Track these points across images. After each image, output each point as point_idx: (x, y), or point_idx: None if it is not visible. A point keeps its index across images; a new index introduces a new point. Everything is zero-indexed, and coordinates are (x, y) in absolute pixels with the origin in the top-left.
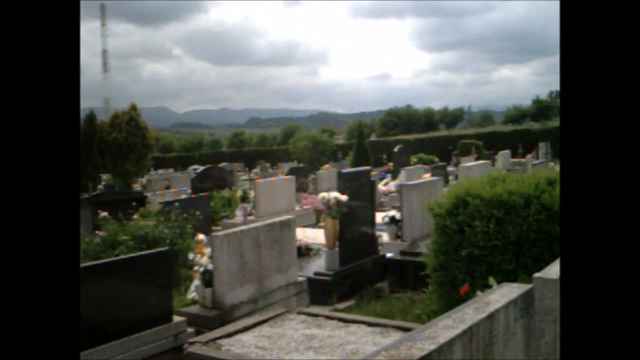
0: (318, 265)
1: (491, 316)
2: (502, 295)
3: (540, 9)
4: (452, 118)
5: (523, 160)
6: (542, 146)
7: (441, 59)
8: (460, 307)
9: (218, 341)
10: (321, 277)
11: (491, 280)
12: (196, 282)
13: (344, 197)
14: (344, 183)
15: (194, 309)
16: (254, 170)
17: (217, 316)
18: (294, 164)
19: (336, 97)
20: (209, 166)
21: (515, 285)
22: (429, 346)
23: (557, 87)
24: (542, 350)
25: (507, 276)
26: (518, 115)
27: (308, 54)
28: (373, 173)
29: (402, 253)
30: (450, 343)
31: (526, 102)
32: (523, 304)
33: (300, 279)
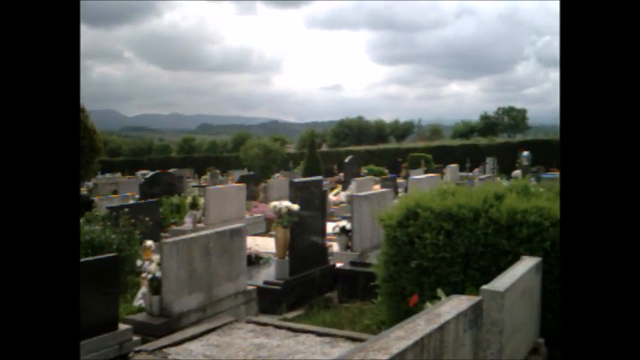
0: (267, 274)
1: (441, 328)
2: (452, 306)
3: (490, 28)
4: (402, 130)
5: (470, 174)
6: (490, 161)
7: (393, 72)
8: (412, 319)
9: (165, 350)
10: (271, 286)
11: (440, 292)
12: (144, 289)
13: (295, 206)
14: (295, 192)
15: (141, 317)
16: (204, 177)
17: (164, 324)
18: (245, 172)
19: (288, 106)
20: (158, 171)
21: (464, 297)
22: (382, 357)
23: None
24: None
25: (455, 288)
26: (466, 130)
27: (262, 62)
28: (324, 183)
29: (352, 263)
30: (402, 353)
31: (474, 117)
32: (472, 315)
33: (250, 288)
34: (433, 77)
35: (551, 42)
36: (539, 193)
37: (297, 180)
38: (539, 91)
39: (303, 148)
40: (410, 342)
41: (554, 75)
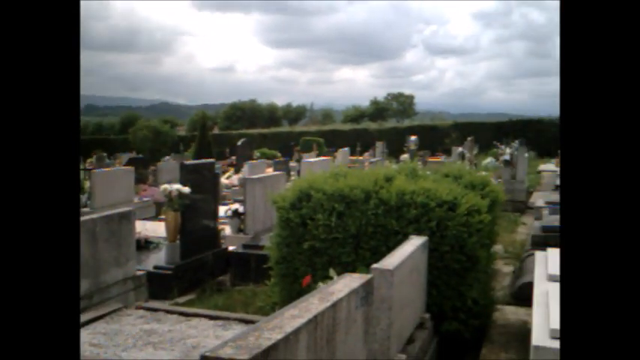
0: (158, 259)
1: (335, 305)
2: (345, 284)
3: (381, 15)
4: (295, 114)
5: (361, 157)
6: (379, 145)
7: (285, 56)
8: (305, 297)
9: None
10: (162, 271)
11: (332, 272)
12: None
13: (186, 189)
14: (186, 175)
15: None
16: (89, 160)
17: None
18: (134, 155)
19: (179, 88)
20: None
21: (356, 275)
22: (277, 336)
23: (393, 89)
24: (378, 336)
25: (347, 268)
26: (357, 115)
27: (151, 42)
28: (216, 166)
29: (245, 246)
30: (297, 332)
31: (365, 102)
32: (363, 292)
33: (140, 273)
34: (325, 62)
35: (437, 31)
36: (426, 175)
37: (188, 162)
38: (426, 78)
39: (194, 131)
40: (304, 320)
41: (440, 63)
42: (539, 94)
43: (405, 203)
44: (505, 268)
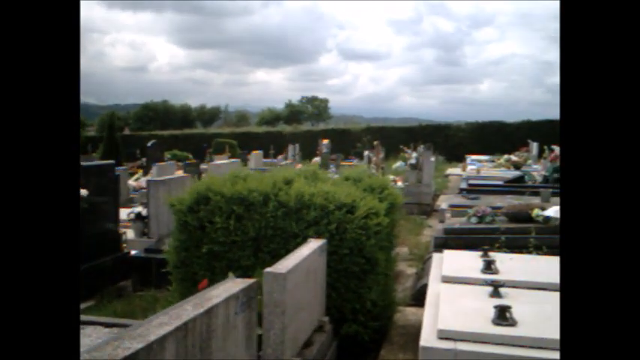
0: None
1: (209, 311)
2: (224, 290)
3: (295, 19)
4: (209, 116)
5: (274, 160)
6: (291, 148)
7: (200, 57)
8: (180, 304)
9: None
10: None
11: (231, 276)
12: None
13: (84, 192)
14: (85, 177)
15: None
16: None
17: None
18: None
19: (88, 87)
20: None
21: (239, 280)
22: (137, 345)
23: (309, 93)
24: (272, 341)
25: (246, 271)
26: (272, 118)
27: None
28: (123, 168)
29: (147, 250)
30: (162, 340)
31: (280, 105)
32: (245, 298)
33: None
34: (240, 64)
35: (351, 36)
36: (326, 177)
37: (86, 164)
38: (341, 83)
39: (104, 132)
40: (171, 328)
41: (354, 67)
42: (449, 100)
43: (305, 205)
44: (409, 269)
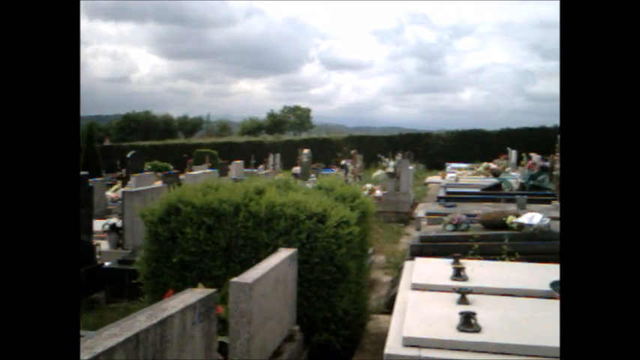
0: None
1: (163, 322)
2: (182, 300)
3: (278, 29)
4: (191, 126)
5: (255, 170)
6: (272, 158)
7: (182, 67)
8: (134, 315)
9: None
10: None
11: (202, 286)
12: None
13: None
14: None
15: None
16: None
17: None
18: None
19: None
20: None
21: (198, 290)
22: (84, 357)
23: (291, 103)
24: (238, 350)
25: (217, 282)
26: (254, 127)
27: None
28: (99, 179)
29: (121, 261)
30: (110, 351)
31: (262, 115)
32: (203, 308)
33: None
34: (222, 74)
35: (333, 46)
36: (298, 187)
37: None
38: (323, 92)
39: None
40: (121, 339)
41: (337, 77)
42: (430, 109)
43: (275, 215)
44: (385, 277)
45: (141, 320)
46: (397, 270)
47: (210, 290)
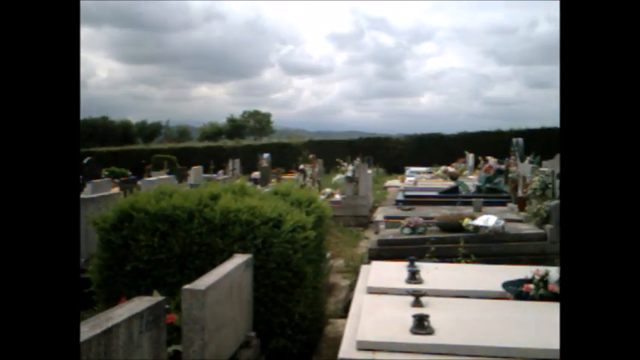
0: None
1: (108, 332)
2: (129, 309)
3: (237, 34)
4: (150, 131)
5: (215, 175)
6: (231, 163)
7: (140, 72)
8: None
9: None
10: None
11: (156, 294)
12: None
13: None
14: None
15: None
16: None
17: None
18: None
19: None
20: None
21: (146, 298)
22: None
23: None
24: (192, 358)
25: (172, 289)
26: (214, 132)
27: None
28: None
29: None
30: None
31: (222, 120)
32: (151, 316)
33: None
34: (182, 79)
35: (293, 51)
36: (253, 192)
37: None
38: (284, 97)
39: None
40: None
41: (297, 82)
42: (390, 113)
43: (230, 221)
44: (344, 281)
45: (85, 330)
46: (356, 274)
47: (160, 298)
